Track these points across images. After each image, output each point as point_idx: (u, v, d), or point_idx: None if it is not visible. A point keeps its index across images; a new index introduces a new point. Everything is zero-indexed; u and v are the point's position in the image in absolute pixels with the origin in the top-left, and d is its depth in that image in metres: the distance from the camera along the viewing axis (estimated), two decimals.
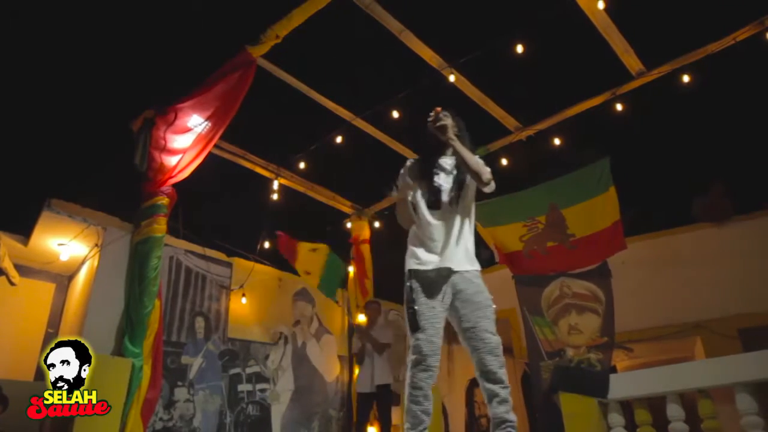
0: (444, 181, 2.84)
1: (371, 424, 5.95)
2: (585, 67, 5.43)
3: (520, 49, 4.89)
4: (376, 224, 7.40)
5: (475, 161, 2.77)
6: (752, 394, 2.88)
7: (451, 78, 5.25)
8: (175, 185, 4.73)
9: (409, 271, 2.73)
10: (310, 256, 6.52)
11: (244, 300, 5.97)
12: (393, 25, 4.80)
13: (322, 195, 7.02)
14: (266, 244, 6.26)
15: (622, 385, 3.39)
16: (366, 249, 7.24)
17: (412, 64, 5.19)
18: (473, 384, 8.25)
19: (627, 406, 3.36)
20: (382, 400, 5.57)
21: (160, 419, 4.90)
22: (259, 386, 5.85)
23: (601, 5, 4.53)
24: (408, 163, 2.98)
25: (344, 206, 7.31)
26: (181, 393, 5.15)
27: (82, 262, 5.54)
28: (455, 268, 2.69)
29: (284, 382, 6.09)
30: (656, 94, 5.42)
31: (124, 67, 5.29)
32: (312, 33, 4.68)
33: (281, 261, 6.52)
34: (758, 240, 5.88)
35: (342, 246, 7.28)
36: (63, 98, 5.44)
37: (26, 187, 5.49)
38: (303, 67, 5.25)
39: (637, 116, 5.54)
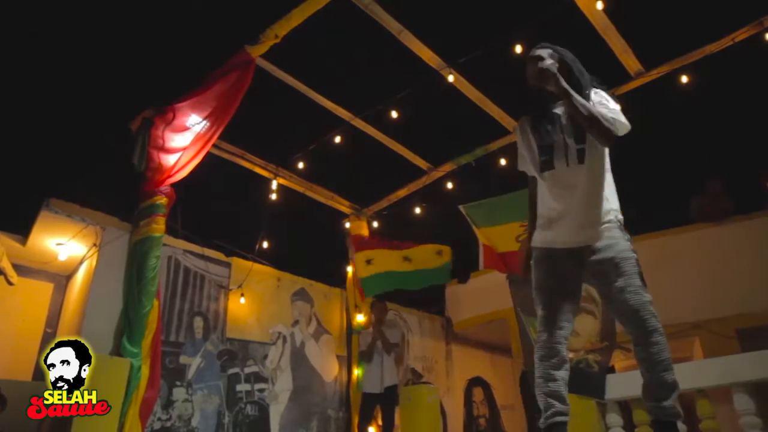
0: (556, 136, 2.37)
1: (371, 425, 5.95)
2: (584, 68, 5.43)
3: (519, 49, 4.90)
4: (375, 224, 7.40)
5: (593, 112, 2.22)
6: (750, 394, 2.88)
7: (450, 78, 5.25)
8: (173, 185, 4.72)
9: None
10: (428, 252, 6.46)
11: (242, 300, 5.97)
12: (392, 25, 4.80)
13: (320, 195, 7.01)
14: (264, 244, 6.25)
15: (621, 385, 3.39)
16: None
17: (411, 64, 5.19)
18: (472, 384, 8.26)
19: (625, 407, 3.36)
20: (389, 401, 5.56)
21: (159, 419, 4.90)
22: (257, 386, 5.84)
23: (599, 5, 4.54)
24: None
25: (343, 206, 7.31)
26: (179, 393, 5.15)
27: (81, 262, 5.54)
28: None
29: (283, 382, 6.09)
30: (655, 95, 5.43)
31: (123, 66, 5.28)
32: (311, 33, 4.68)
33: (280, 261, 6.52)
34: (756, 240, 5.89)
35: (342, 246, 7.29)
36: (61, 97, 5.42)
37: (24, 186, 5.48)
38: (302, 67, 5.25)
39: (635, 116, 5.54)
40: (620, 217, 2.41)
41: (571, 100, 2.24)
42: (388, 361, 5.64)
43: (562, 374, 2.29)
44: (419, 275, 6.53)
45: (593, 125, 2.21)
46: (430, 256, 6.56)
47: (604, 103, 2.34)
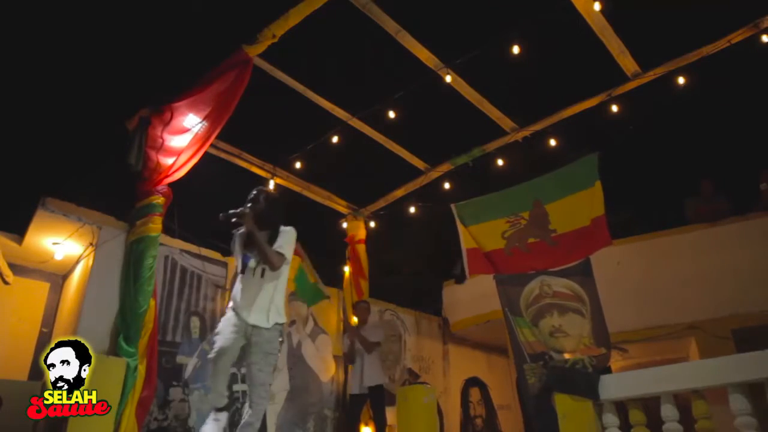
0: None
1: (366, 424, 5.95)
2: (581, 69, 5.46)
3: (516, 50, 4.91)
4: (372, 224, 7.40)
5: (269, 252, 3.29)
6: (745, 394, 2.89)
7: (448, 78, 5.26)
8: (170, 184, 4.71)
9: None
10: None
11: None
12: (390, 25, 4.80)
13: (318, 195, 7.01)
14: None
15: (617, 385, 3.40)
16: (362, 249, 7.24)
17: (409, 65, 5.19)
18: (468, 384, 8.27)
19: (622, 407, 3.37)
20: (375, 401, 5.56)
21: (155, 419, 4.89)
22: None
23: (597, 7, 4.55)
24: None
25: (340, 206, 7.31)
26: (176, 393, 5.14)
27: (77, 262, 5.52)
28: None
29: (279, 382, 6.08)
30: (652, 95, 5.45)
31: (121, 65, 5.27)
32: (309, 33, 4.68)
33: None
34: (752, 241, 5.91)
35: (339, 246, 7.29)
36: (58, 97, 5.41)
37: (21, 185, 5.47)
38: (300, 66, 5.25)
39: (632, 117, 5.56)
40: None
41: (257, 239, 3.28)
42: (368, 361, 5.62)
43: None
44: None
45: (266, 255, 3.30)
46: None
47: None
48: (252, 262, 3.37)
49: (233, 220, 3.28)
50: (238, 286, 3.41)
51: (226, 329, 3.31)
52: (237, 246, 3.46)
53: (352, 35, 5.06)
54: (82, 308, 4.70)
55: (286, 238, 3.42)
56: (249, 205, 3.41)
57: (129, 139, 4.70)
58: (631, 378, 3.60)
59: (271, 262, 3.26)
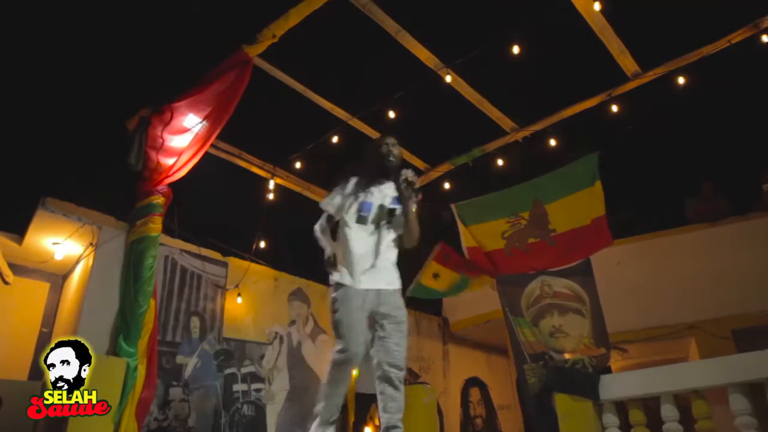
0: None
1: (367, 424, 5.95)
2: (581, 69, 5.45)
3: (516, 50, 4.91)
4: None
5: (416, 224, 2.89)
6: (745, 394, 2.89)
7: (448, 78, 5.26)
8: (170, 184, 4.71)
9: None
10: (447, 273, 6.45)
11: (239, 300, 5.96)
12: (390, 25, 4.80)
13: (318, 195, 7.00)
14: (262, 244, 6.24)
15: (617, 385, 3.40)
16: None
17: (409, 65, 5.19)
18: (468, 384, 8.27)
19: (622, 407, 3.37)
20: None
21: (155, 419, 4.89)
22: (254, 386, 5.84)
23: (597, 6, 4.55)
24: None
25: None
26: (176, 393, 5.14)
27: (77, 262, 5.52)
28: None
29: (279, 382, 6.08)
30: (652, 95, 5.45)
31: (121, 65, 5.27)
32: (309, 33, 4.68)
33: (277, 261, 6.51)
34: (752, 241, 5.91)
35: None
36: (58, 96, 5.41)
37: (21, 185, 5.47)
38: (300, 66, 5.25)
39: (632, 117, 5.56)
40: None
41: (410, 208, 2.84)
42: None
43: None
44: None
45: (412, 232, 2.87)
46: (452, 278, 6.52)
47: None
48: (373, 212, 2.84)
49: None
50: (349, 242, 2.84)
51: (352, 315, 2.65)
52: (353, 188, 2.95)
53: (352, 35, 5.06)
54: (82, 308, 4.70)
55: None
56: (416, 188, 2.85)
57: (129, 139, 4.70)
58: (631, 378, 3.60)
59: (413, 239, 2.86)
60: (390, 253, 2.87)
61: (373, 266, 2.76)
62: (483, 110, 5.78)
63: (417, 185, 2.83)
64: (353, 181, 2.97)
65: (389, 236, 2.87)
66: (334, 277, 2.81)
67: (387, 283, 2.77)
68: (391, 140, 3.06)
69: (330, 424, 2.69)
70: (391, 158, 3.00)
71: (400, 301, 2.80)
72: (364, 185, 2.93)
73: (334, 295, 2.77)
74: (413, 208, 2.84)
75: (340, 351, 2.63)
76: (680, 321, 5.99)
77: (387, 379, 2.63)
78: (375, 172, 2.99)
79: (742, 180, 6.85)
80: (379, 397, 2.67)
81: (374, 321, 2.73)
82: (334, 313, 2.70)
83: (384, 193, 2.94)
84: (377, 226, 2.84)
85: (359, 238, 2.82)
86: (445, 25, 5.09)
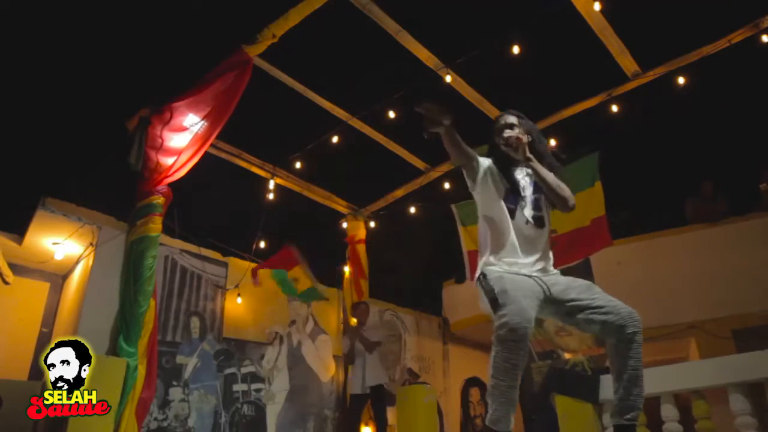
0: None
1: (366, 424, 5.95)
2: (581, 69, 5.46)
3: (516, 50, 4.91)
4: (372, 224, 7.40)
5: (558, 183, 2.49)
6: (745, 394, 2.90)
7: (448, 78, 5.26)
8: (170, 184, 4.71)
9: None
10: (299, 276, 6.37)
11: (239, 300, 5.96)
12: (390, 25, 4.80)
13: (318, 195, 7.01)
14: (262, 244, 6.24)
15: None
16: (362, 249, 7.24)
17: (409, 65, 5.19)
18: (468, 384, 8.27)
19: None
20: (376, 401, 5.56)
21: (155, 419, 4.89)
22: (254, 386, 5.84)
23: (597, 6, 4.55)
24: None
25: (340, 206, 7.31)
26: (176, 393, 5.14)
27: (77, 262, 5.52)
28: None
29: (279, 382, 6.08)
30: (652, 95, 5.45)
31: (121, 65, 5.27)
32: (309, 33, 4.68)
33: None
34: (752, 241, 5.91)
35: (339, 246, 7.29)
36: (58, 96, 5.41)
37: (21, 185, 5.47)
38: (300, 66, 5.25)
39: (632, 117, 5.56)
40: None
41: (539, 173, 2.48)
42: (370, 361, 5.62)
43: None
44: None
45: (556, 193, 2.50)
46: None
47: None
48: (527, 209, 2.53)
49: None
50: (507, 234, 2.55)
51: (522, 300, 2.30)
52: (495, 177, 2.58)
53: (352, 35, 5.06)
54: (82, 308, 4.70)
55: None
56: (516, 124, 2.56)
57: (129, 138, 4.70)
58: None
59: (564, 196, 2.48)
60: None
61: None
62: (483, 110, 5.78)
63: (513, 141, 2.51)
64: None
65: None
66: None
67: None
68: (502, 120, 2.63)
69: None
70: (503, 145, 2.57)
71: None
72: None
73: None
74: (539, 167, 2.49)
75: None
76: (680, 321, 5.99)
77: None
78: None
79: (742, 180, 6.85)
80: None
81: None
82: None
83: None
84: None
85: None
86: (445, 25, 5.09)
